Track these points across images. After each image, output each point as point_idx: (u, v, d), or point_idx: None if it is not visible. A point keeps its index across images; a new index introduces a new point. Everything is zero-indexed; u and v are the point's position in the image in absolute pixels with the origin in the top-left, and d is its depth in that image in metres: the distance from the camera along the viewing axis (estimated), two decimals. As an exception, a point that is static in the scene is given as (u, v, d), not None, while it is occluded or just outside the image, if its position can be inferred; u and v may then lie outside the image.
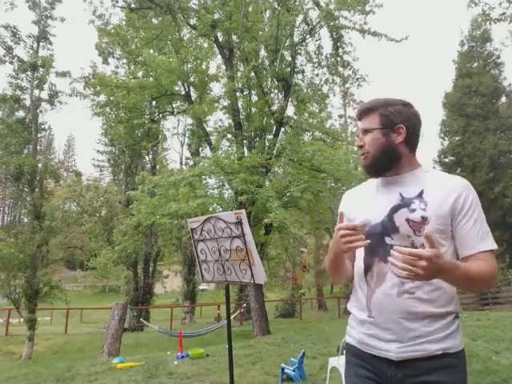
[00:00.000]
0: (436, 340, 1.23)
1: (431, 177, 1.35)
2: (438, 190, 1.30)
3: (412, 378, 1.24)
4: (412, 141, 1.37)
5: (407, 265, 1.10)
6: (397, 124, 1.36)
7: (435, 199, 1.28)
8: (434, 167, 25.22)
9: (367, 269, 1.34)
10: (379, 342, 1.29)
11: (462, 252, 1.29)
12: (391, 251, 1.16)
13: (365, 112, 1.40)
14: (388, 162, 1.36)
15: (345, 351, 1.48)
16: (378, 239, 1.31)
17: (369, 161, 1.38)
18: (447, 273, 1.14)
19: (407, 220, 1.27)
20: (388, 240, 1.30)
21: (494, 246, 1.29)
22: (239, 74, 11.77)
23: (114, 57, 14.02)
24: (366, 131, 1.39)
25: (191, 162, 21.01)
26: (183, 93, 12.22)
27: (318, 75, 11.87)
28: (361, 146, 1.40)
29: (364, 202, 1.42)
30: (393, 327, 1.26)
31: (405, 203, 1.30)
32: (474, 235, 1.27)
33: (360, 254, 1.39)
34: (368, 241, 1.23)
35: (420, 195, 1.29)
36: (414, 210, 1.27)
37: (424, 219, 1.25)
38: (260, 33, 11.23)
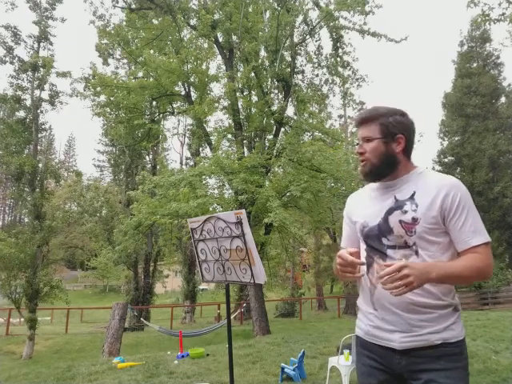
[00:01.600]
0: (436, 331, 1.32)
1: (423, 178, 1.42)
2: (428, 191, 1.37)
3: (415, 365, 1.34)
4: (409, 149, 1.46)
5: (395, 282, 1.21)
6: (396, 134, 1.43)
7: (425, 200, 1.36)
8: (434, 167, 25.30)
9: (369, 266, 1.44)
10: (383, 332, 1.39)
11: (458, 247, 1.37)
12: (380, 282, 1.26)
13: (365, 120, 1.46)
14: (386, 169, 1.44)
15: (355, 343, 1.61)
16: (376, 240, 1.43)
17: (368, 168, 1.45)
18: (432, 272, 1.25)
19: (400, 221, 1.37)
20: (385, 241, 1.40)
21: (487, 239, 1.35)
22: (239, 74, 11.78)
23: (113, 58, 14.07)
24: (366, 139, 1.45)
25: (191, 162, 21.07)
26: (183, 93, 12.24)
27: (317, 75, 11.90)
28: (361, 153, 1.46)
29: (364, 206, 1.52)
30: (394, 319, 1.36)
31: (398, 205, 1.40)
32: (466, 231, 1.34)
33: (361, 251, 1.49)
34: (362, 274, 1.40)
35: (412, 197, 1.38)
36: (405, 212, 1.36)
37: (414, 220, 1.35)
38: (260, 33, 11.24)
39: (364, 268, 1.45)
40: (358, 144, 1.50)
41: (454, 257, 1.38)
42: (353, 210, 1.58)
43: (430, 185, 1.39)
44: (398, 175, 1.44)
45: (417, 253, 1.35)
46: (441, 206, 1.34)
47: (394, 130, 1.43)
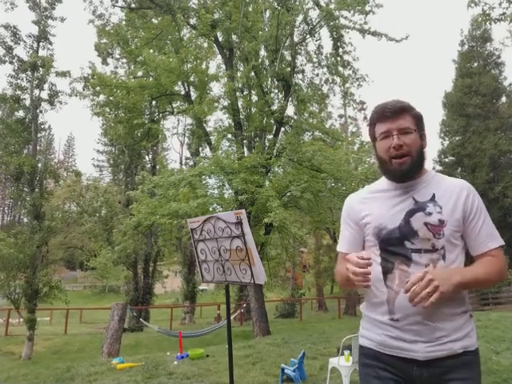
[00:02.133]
0: (458, 339, 1.28)
1: (439, 180, 1.39)
2: (449, 193, 1.34)
3: (437, 376, 1.28)
4: None
5: (422, 292, 1.17)
6: (424, 129, 1.39)
7: (448, 202, 1.32)
8: (434, 167, 25.36)
9: (386, 272, 1.34)
10: (403, 343, 1.30)
11: (475, 250, 1.34)
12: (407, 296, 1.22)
13: (400, 111, 1.35)
14: (420, 167, 1.36)
15: (358, 354, 1.49)
16: (398, 244, 1.33)
17: (408, 165, 1.32)
18: (455, 276, 1.22)
19: (425, 224, 1.30)
20: (408, 244, 1.31)
21: (502, 242, 1.34)
22: (239, 73, 11.76)
23: (113, 57, 14.04)
24: (404, 131, 1.33)
25: (191, 162, 21.07)
26: (183, 93, 12.22)
27: (318, 75, 11.88)
28: (400, 146, 1.31)
29: (375, 207, 1.41)
30: (418, 328, 1.27)
31: (419, 207, 1.32)
32: (484, 234, 1.32)
33: (374, 257, 1.37)
34: (369, 283, 1.25)
35: (433, 199, 1.33)
36: (430, 214, 1.30)
37: (441, 222, 1.29)
38: (260, 33, 11.22)
39: (380, 275, 1.34)
40: (386, 137, 1.35)
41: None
42: (359, 211, 1.44)
43: (449, 187, 1.36)
44: (418, 176, 1.38)
45: (444, 257, 1.29)
46: (463, 208, 1.32)
47: (423, 124, 1.38)
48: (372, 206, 1.42)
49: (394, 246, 1.33)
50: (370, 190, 1.49)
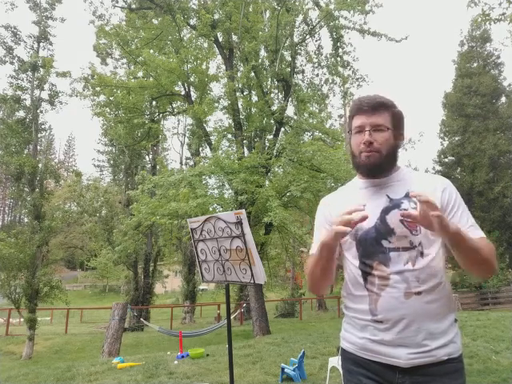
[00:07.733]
0: (443, 345, 1.23)
1: (412, 177, 1.37)
2: (423, 188, 1.28)
3: None
4: None
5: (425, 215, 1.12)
6: (402, 129, 1.37)
7: None
8: (434, 167, 25.36)
9: (366, 274, 1.30)
10: (385, 347, 1.24)
11: None
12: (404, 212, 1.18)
13: (377, 106, 1.32)
14: (390, 165, 1.34)
15: (341, 358, 1.42)
16: (375, 244, 1.28)
17: (376, 159, 1.31)
18: (449, 231, 1.14)
19: (401, 221, 1.25)
20: (385, 243, 1.27)
21: (483, 234, 1.29)
22: (239, 74, 11.78)
23: (112, 57, 14.06)
24: (378, 128, 1.31)
25: (191, 162, 21.05)
26: (183, 93, 12.24)
27: (317, 75, 11.88)
28: (370, 143, 1.30)
29: (350, 207, 1.34)
30: (402, 331, 1.22)
31: (394, 204, 1.28)
32: (464, 225, 1.27)
33: (351, 260, 1.35)
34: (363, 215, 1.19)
35: (407, 195, 1.28)
36: (405, 210, 1.25)
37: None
38: (260, 33, 11.24)
39: (359, 278, 1.31)
40: (359, 131, 1.33)
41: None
42: (336, 212, 1.35)
43: (424, 182, 1.33)
44: (390, 173, 1.35)
45: (422, 254, 1.25)
46: (440, 201, 1.28)
47: (401, 123, 1.36)
48: (347, 205, 1.34)
49: (372, 245, 1.28)
50: (344, 190, 1.48)
